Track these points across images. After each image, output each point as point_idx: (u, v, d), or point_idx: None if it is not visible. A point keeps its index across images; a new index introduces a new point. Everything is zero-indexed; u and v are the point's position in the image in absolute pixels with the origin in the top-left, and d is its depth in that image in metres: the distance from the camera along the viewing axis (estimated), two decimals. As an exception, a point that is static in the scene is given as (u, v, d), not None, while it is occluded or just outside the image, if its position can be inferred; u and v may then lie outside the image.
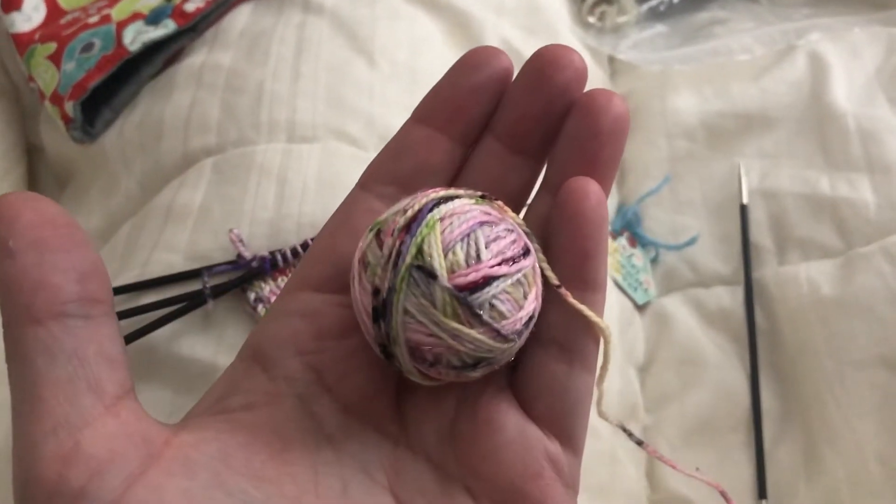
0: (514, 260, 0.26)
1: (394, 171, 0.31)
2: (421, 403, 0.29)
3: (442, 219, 0.26)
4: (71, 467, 0.24)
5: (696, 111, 0.72)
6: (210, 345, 0.48)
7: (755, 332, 0.61)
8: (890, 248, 0.59)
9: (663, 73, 0.75)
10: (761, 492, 0.56)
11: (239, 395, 0.29)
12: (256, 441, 0.27)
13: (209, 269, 0.49)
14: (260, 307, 0.48)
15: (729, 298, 0.64)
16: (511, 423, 0.28)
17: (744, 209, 0.65)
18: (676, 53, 0.75)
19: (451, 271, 0.26)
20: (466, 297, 0.26)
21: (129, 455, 0.25)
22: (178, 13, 0.61)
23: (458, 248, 0.26)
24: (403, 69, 0.60)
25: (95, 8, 0.65)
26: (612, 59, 0.80)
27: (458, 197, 0.27)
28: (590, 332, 0.29)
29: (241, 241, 0.49)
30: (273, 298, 0.48)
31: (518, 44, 0.68)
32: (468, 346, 0.26)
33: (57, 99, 0.59)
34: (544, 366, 0.29)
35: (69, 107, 0.58)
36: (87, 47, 0.60)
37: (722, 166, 0.69)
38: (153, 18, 0.61)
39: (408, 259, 0.26)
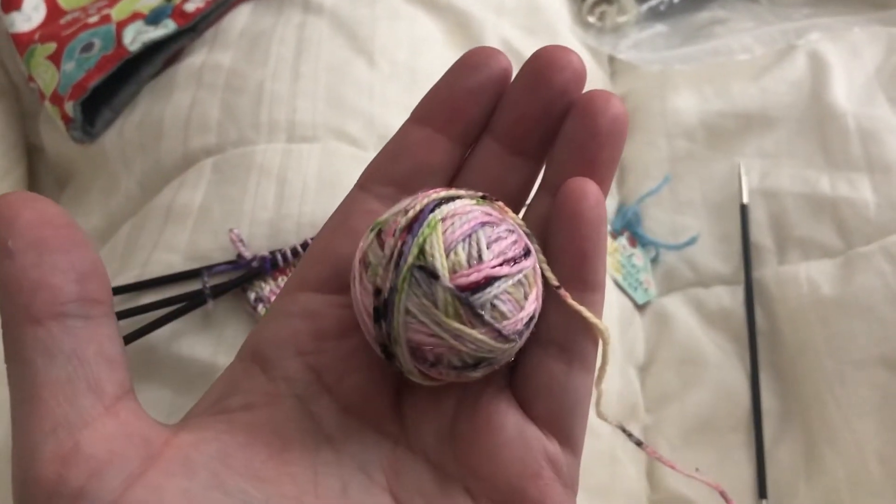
0: (515, 260, 0.26)
1: (392, 172, 0.31)
2: (420, 403, 0.29)
3: (443, 219, 0.26)
4: (70, 467, 0.24)
5: (696, 111, 0.72)
6: (210, 345, 0.48)
7: (755, 331, 0.61)
8: (890, 247, 0.59)
9: (663, 73, 0.75)
10: (761, 491, 0.56)
11: (238, 396, 0.29)
12: (256, 441, 0.27)
13: (209, 269, 0.49)
14: (260, 307, 0.48)
15: (729, 298, 0.64)
16: (510, 423, 0.28)
17: (744, 209, 0.65)
18: (676, 53, 0.75)
19: (453, 271, 0.26)
20: (468, 297, 0.26)
21: (128, 455, 0.25)
22: (178, 13, 0.61)
23: (459, 248, 0.26)
24: (403, 69, 0.60)
25: (95, 8, 0.65)
26: (612, 59, 0.80)
27: (459, 197, 0.27)
28: (589, 333, 0.29)
29: (241, 240, 0.49)
30: (273, 298, 0.48)
31: (518, 44, 0.68)
32: (469, 347, 0.26)
33: (57, 99, 0.59)
34: (544, 366, 0.29)
35: (69, 107, 0.58)
36: (87, 47, 0.60)
37: (722, 166, 0.69)
38: (153, 18, 0.61)
39: (409, 259, 0.26)
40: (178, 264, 0.50)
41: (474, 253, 0.26)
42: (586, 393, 0.29)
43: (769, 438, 0.58)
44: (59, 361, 0.25)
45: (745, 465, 0.58)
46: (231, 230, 0.49)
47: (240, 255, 0.49)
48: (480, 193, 0.28)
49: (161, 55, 0.61)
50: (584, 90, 0.29)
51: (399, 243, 0.26)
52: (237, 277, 0.49)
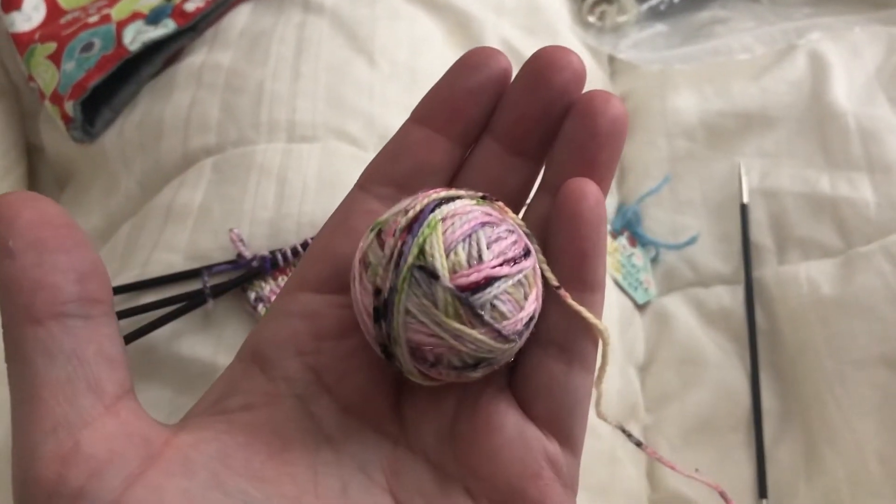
0: (515, 261, 0.26)
1: (392, 172, 0.31)
2: (420, 404, 0.29)
3: (444, 219, 0.26)
4: (70, 467, 0.24)
5: (697, 110, 0.72)
6: (210, 344, 0.48)
7: (755, 331, 0.61)
8: (890, 247, 0.59)
9: (663, 73, 0.75)
10: (762, 491, 0.56)
11: (238, 396, 0.29)
12: (256, 441, 0.27)
13: (209, 269, 0.49)
14: (260, 306, 0.48)
15: (729, 298, 0.64)
16: (510, 423, 0.28)
17: (744, 208, 0.65)
18: (677, 53, 0.75)
19: (453, 272, 0.26)
20: (468, 297, 0.26)
21: (128, 455, 0.25)
22: (178, 13, 0.61)
23: (459, 248, 0.26)
24: (403, 69, 0.60)
25: (95, 7, 0.65)
26: (612, 59, 0.80)
27: (459, 198, 0.27)
28: (589, 333, 0.29)
29: (241, 240, 0.49)
30: (273, 298, 0.48)
31: (518, 44, 0.68)
32: (469, 347, 0.26)
33: (57, 98, 0.59)
34: (543, 366, 0.29)
35: (69, 106, 0.58)
36: (87, 47, 0.60)
37: (722, 166, 0.69)
38: (153, 18, 0.61)
39: (409, 259, 0.26)
40: (179, 264, 0.50)
41: (474, 253, 0.26)
42: (586, 393, 0.29)
43: (769, 438, 0.58)
44: (59, 361, 0.25)
45: (746, 464, 0.58)
46: (231, 230, 0.49)
47: (240, 255, 0.49)
48: (480, 194, 0.28)
49: (161, 55, 0.61)
50: (584, 90, 0.29)
51: (399, 243, 0.26)
52: (237, 277, 0.49)
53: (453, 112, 0.30)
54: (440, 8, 0.66)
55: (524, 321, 0.27)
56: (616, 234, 0.67)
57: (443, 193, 0.27)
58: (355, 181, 0.32)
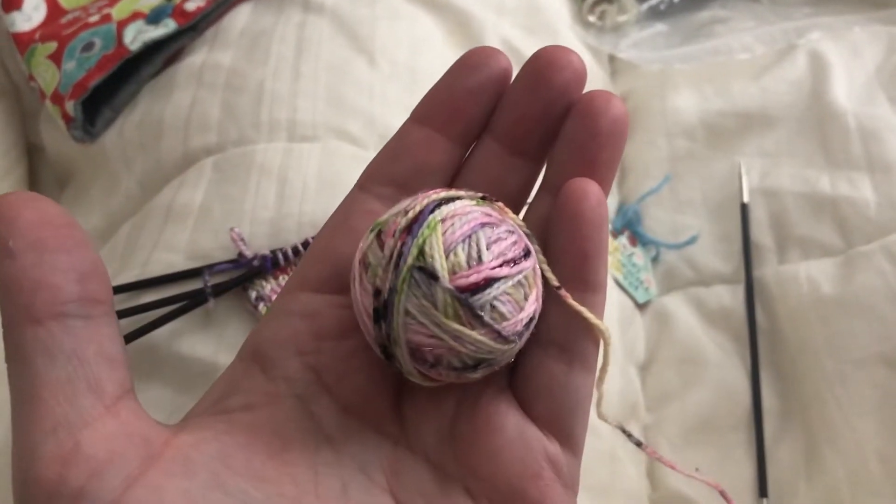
0: (515, 261, 0.26)
1: (392, 172, 0.31)
2: (420, 404, 0.29)
3: (443, 220, 0.26)
4: (70, 467, 0.24)
5: (697, 110, 0.72)
6: (210, 344, 0.48)
7: (756, 330, 0.61)
8: (890, 246, 0.59)
9: (663, 72, 0.75)
10: (762, 490, 0.56)
11: (238, 396, 0.29)
12: (256, 441, 0.27)
13: (210, 268, 0.49)
14: (261, 306, 0.48)
15: (729, 297, 0.64)
16: (511, 423, 0.28)
17: (744, 208, 0.65)
18: (677, 52, 0.75)
19: (453, 272, 0.26)
20: (468, 298, 0.26)
21: (128, 455, 0.25)
22: (178, 12, 0.61)
23: (459, 249, 0.26)
24: (403, 69, 0.60)
25: (96, 7, 0.65)
26: (612, 59, 0.80)
27: (459, 198, 0.27)
28: (589, 334, 0.29)
29: (241, 239, 0.49)
30: (274, 297, 0.48)
31: (518, 43, 0.68)
32: (469, 348, 0.26)
33: (57, 98, 0.59)
34: (544, 366, 0.29)
35: (70, 106, 0.58)
36: (88, 46, 0.60)
37: (722, 165, 0.69)
38: (154, 18, 0.61)
39: (409, 260, 0.26)
40: (179, 263, 0.50)
41: (474, 254, 0.26)
42: (587, 393, 0.29)
43: (769, 437, 0.58)
44: (59, 361, 0.25)
45: (746, 464, 0.58)
46: (232, 229, 0.49)
47: (240, 254, 0.49)
48: (480, 194, 0.28)
49: (161, 54, 0.61)
50: (585, 90, 0.29)
51: (399, 244, 0.26)
52: (238, 276, 0.49)
53: (453, 112, 0.30)
54: (440, 8, 0.66)
55: (524, 322, 0.27)
56: (616, 234, 0.67)
57: (442, 194, 0.27)
58: (355, 181, 0.32)
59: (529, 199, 0.31)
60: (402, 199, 0.28)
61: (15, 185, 0.66)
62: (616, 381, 0.59)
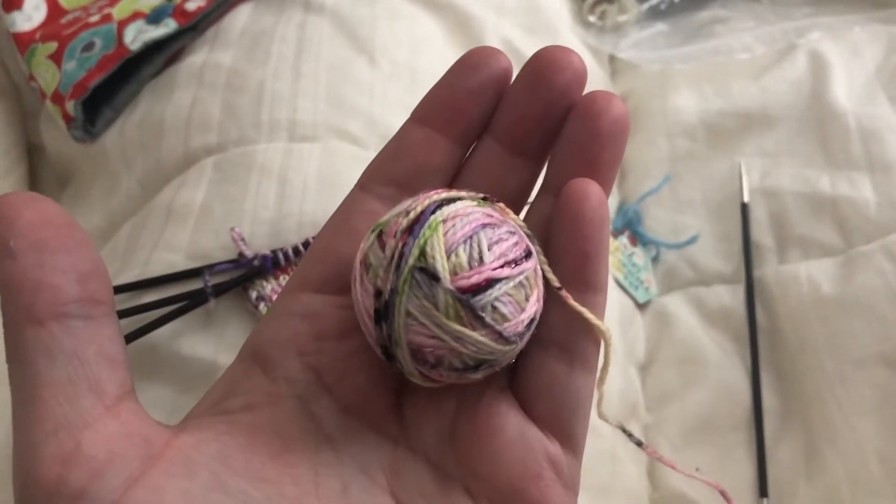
0: (516, 262, 0.26)
1: (393, 172, 0.31)
2: (421, 404, 0.29)
3: (445, 221, 0.26)
4: (71, 468, 0.24)
5: (697, 110, 0.72)
6: (211, 344, 0.48)
7: (756, 330, 0.61)
8: (890, 246, 0.59)
9: (664, 72, 0.75)
10: (762, 490, 0.56)
11: (239, 396, 0.29)
12: (256, 442, 0.27)
13: (210, 268, 0.49)
14: (262, 306, 0.48)
15: (729, 297, 0.64)
16: (511, 424, 0.28)
17: (744, 208, 0.65)
18: (677, 52, 0.75)
19: (454, 273, 0.26)
20: (469, 299, 0.25)
21: (129, 456, 0.25)
22: (178, 12, 0.61)
23: (460, 250, 0.26)
24: (404, 69, 0.60)
25: (96, 7, 0.65)
26: (612, 58, 0.80)
27: (460, 199, 0.27)
28: (590, 334, 0.29)
29: (242, 239, 0.49)
30: (275, 297, 0.48)
31: (518, 43, 0.68)
32: (470, 349, 0.26)
33: (58, 98, 0.59)
34: (545, 367, 0.29)
35: (70, 106, 0.58)
36: (88, 46, 0.60)
37: (722, 165, 0.69)
38: (154, 17, 0.61)
39: (410, 261, 0.26)
40: (180, 263, 0.50)
41: (475, 255, 0.26)
42: (588, 394, 0.29)
43: (770, 437, 0.58)
44: (60, 362, 0.25)
45: (746, 463, 0.58)
46: (232, 229, 0.49)
47: (241, 254, 0.49)
48: (482, 195, 0.28)
49: (162, 54, 0.61)
50: (586, 90, 0.29)
51: (400, 245, 0.26)
52: (238, 276, 0.49)
53: (454, 112, 0.30)
54: (441, 7, 0.66)
55: (525, 323, 0.27)
56: (617, 234, 0.67)
57: (444, 195, 0.27)
58: (356, 181, 0.32)
59: (530, 200, 0.31)
60: (403, 200, 0.28)
61: (15, 185, 0.66)
62: (616, 380, 0.59)
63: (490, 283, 0.26)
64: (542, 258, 0.28)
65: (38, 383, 0.25)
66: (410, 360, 0.27)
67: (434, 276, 0.25)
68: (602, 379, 0.31)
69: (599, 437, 0.54)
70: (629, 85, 0.77)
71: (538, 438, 0.28)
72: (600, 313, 0.29)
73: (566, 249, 0.28)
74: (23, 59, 0.64)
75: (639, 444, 0.37)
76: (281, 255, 0.49)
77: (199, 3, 0.61)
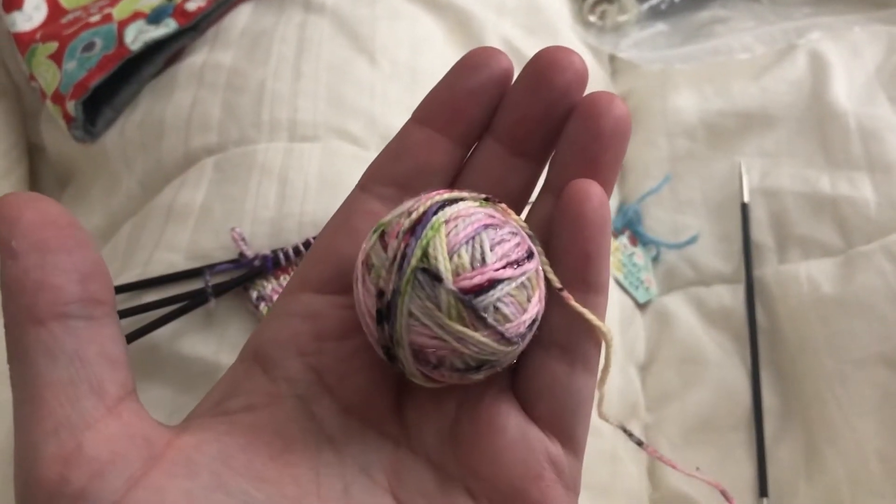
0: (518, 263, 0.26)
1: (394, 173, 0.31)
2: (422, 405, 0.29)
3: (447, 221, 0.26)
4: (72, 468, 0.24)
5: (697, 110, 0.72)
6: (212, 343, 0.48)
7: (756, 330, 0.61)
8: (890, 246, 0.59)
9: (664, 72, 0.75)
10: (762, 490, 0.56)
11: (240, 397, 0.29)
12: (257, 442, 0.27)
13: (211, 268, 0.49)
14: (262, 305, 0.48)
15: (730, 297, 0.64)
16: (512, 424, 0.28)
17: (744, 208, 0.65)
18: (677, 52, 0.75)
19: (457, 274, 0.26)
20: (471, 300, 0.25)
21: (130, 456, 0.25)
22: (179, 12, 0.61)
23: (463, 250, 0.26)
24: (404, 69, 0.60)
25: (97, 7, 0.65)
26: (612, 58, 0.80)
27: (462, 199, 0.27)
28: (591, 335, 0.29)
29: (242, 239, 0.49)
30: (276, 297, 0.48)
31: (519, 43, 0.68)
32: (472, 349, 0.26)
33: (58, 98, 0.59)
34: (546, 367, 0.29)
35: (70, 106, 0.58)
36: (89, 46, 0.60)
37: (722, 165, 0.69)
38: (154, 17, 0.61)
39: (413, 262, 0.26)
40: (180, 263, 0.50)
41: (478, 255, 0.26)
42: (589, 394, 0.29)
43: (770, 437, 0.58)
44: (61, 362, 0.25)
45: (746, 463, 0.58)
46: (233, 229, 0.49)
47: (241, 254, 0.49)
48: (484, 195, 0.28)
49: (162, 54, 0.61)
50: (586, 91, 0.29)
51: (402, 245, 0.26)
52: (239, 276, 0.49)
53: (454, 112, 0.30)
54: (441, 7, 0.66)
55: (527, 323, 0.27)
56: (617, 234, 0.67)
57: (446, 195, 0.27)
58: (357, 181, 0.32)
59: (531, 200, 0.31)
60: (404, 200, 0.28)
61: (16, 185, 0.66)
62: (616, 380, 0.59)
63: (492, 283, 0.26)
64: (544, 259, 0.28)
65: (40, 383, 0.25)
66: (412, 360, 0.27)
67: (436, 277, 0.25)
68: (603, 380, 0.31)
69: (600, 437, 0.54)
70: (629, 85, 0.77)
71: (539, 439, 0.28)
72: (601, 314, 0.29)
73: (567, 250, 0.28)
74: (23, 59, 0.64)
75: (639, 443, 0.37)
76: (281, 255, 0.49)
77: (199, 3, 0.61)
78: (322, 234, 0.32)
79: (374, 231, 0.27)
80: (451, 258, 0.26)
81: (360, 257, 0.27)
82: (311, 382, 0.29)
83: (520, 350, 0.27)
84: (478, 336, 0.26)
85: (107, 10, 0.63)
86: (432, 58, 0.62)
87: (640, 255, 0.66)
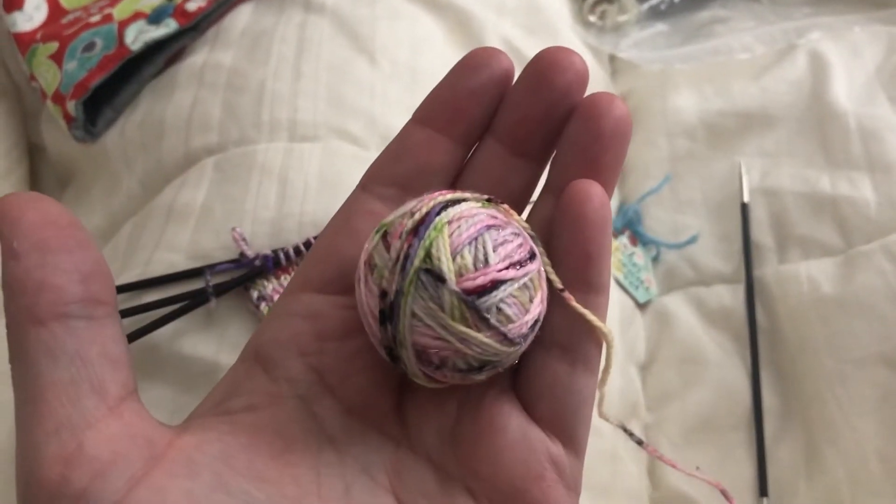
0: (521, 264, 0.26)
1: (394, 173, 0.31)
2: (423, 405, 0.29)
3: (450, 222, 0.26)
4: (73, 468, 0.24)
5: (697, 110, 0.72)
6: (212, 343, 0.48)
7: (756, 330, 0.61)
8: (890, 246, 0.59)
9: (664, 72, 0.75)
10: (762, 490, 0.56)
11: (241, 397, 0.29)
12: (258, 442, 0.27)
13: (212, 268, 0.49)
14: (263, 305, 0.48)
15: (730, 297, 0.64)
16: (513, 424, 0.28)
17: (744, 208, 0.65)
18: (677, 52, 0.75)
19: (460, 275, 0.26)
20: (474, 300, 0.25)
21: (131, 456, 0.25)
22: (179, 12, 0.61)
23: (466, 251, 0.26)
24: (404, 69, 0.60)
25: (97, 7, 0.65)
26: (612, 58, 0.80)
27: (465, 200, 0.27)
28: (592, 336, 0.29)
29: (243, 239, 0.49)
30: (276, 297, 0.48)
31: (519, 43, 0.68)
32: (475, 350, 0.26)
33: (59, 98, 0.59)
34: (547, 368, 0.29)
35: (71, 106, 0.58)
36: (89, 47, 0.60)
37: (722, 165, 0.69)
38: (155, 18, 0.61)
39: (416, 262, 0.26)
40: (180, 264, 0.50)
41: (480, 256, 0.26)
42: (589, 395, 0.29)
43: (770, 437, 0.58)
44: (62, 362, 0.25)
45: (746, 463, 0.58)
46: (233, 229, 0.49)
47: (242, 254, 0.49)
48: (486, 196, 0.28)
49: (162, 54, 0.61)
50: (587, 91, 0.29)
51: (405, 246, 0.26)
52: (240, 276, 0.49)
53: (455, 113, 0.30)
54: (441, 7, 0.66)
55: (529, 324, 0.27)
56: (617, 234, 0.67)
57: (448, 196, 0.27)
58: (357, 181, 0.32)
59: (531, 201, 0.31)
60: (405, 200, 0.28)
61: (16, 186, 0.66)
62: (617, 380, 0.59)
63: (495, 284, 0.26)
64: (546, 259, 0.28)
65: (41, 384, 0.25)
66: (415, 361, 0.27)
67: (440, 278, 0.25)
68: (603, 380, 0.31)
69: (600, 437, 0.54)
70: (629, 85, 0.77)
71: (540, 439, 0.28)
72: (602, 314, 0.29)
73: (568, 251, 0.28)
74: (24, 59, 0.64)
75: (639, 442, 0.37)
76: (282, 255, 0.49)
77: (199, 4, 0.61)
78: (323, 234, 0.32)
79: (377, 231, 0.27)
80: (454, 259, 0.26)
81: (363, 257, 0.27)
82: (312, 382, 0.29)
83: (522, 350, 0.27)
84: (481, 337, 0.26)
85: (107, 11, 0.63)
86: (432, 58, 0.62)
87: (640, 255, 0.66)
